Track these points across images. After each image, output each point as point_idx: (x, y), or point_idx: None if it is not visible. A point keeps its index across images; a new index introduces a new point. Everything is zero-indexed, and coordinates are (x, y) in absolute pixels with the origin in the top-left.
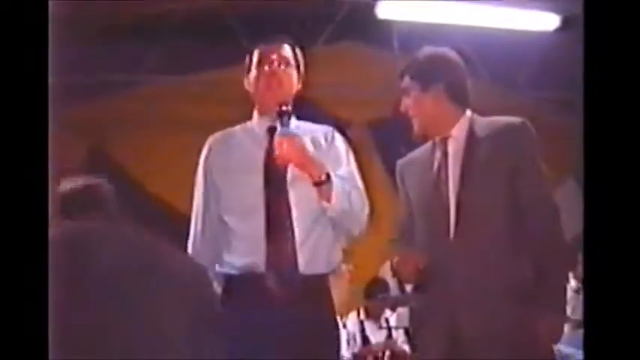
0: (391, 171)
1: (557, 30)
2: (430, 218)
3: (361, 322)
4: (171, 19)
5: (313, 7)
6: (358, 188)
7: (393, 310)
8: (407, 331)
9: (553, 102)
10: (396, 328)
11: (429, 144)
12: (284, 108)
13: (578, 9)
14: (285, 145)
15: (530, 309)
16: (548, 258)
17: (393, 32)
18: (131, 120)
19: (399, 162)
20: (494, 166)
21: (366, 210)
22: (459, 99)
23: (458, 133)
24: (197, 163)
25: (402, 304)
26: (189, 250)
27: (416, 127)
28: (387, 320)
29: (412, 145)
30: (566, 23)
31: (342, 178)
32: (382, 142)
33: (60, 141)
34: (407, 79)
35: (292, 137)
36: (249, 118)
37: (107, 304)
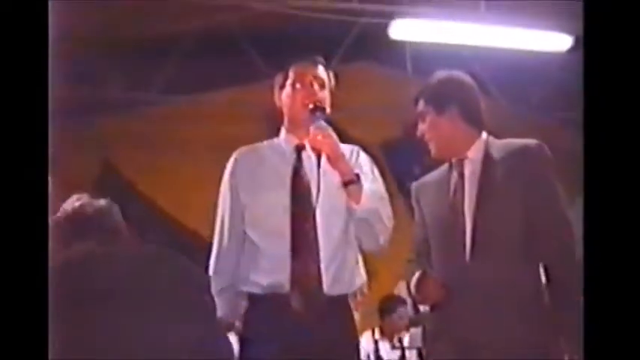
0: (404, 191)
1: (570, 50)
2: (446, 240)
3: (375, 342)
4: (185, 39)
5: (326, 28)
6: (385, 200)
7: (407, 330)
8: (420, 352)
9: (566, 122)
10: (409, 348)
11: (444, 166)
12: (318, 104)
13: None
14: (319, 137)
15: (546, 329)
16: (564, 278)
17: (405, 53)
18: (142, 139)
19: (415, 184)
20: (510, 188)
21: (392, 221)
22: (474, 121)
23: (474, 154)
24: (215, 183)
25: (418, 324)
26: (211, 267)
27: (433, 150)
28: (400, 340)
29: (425, 166)
30: (578, 43)
31: (370, 188)
32: (395, 162)
33: (70, 159)
34: (421, 104)
35: (327, 130)
36: (264, 136)
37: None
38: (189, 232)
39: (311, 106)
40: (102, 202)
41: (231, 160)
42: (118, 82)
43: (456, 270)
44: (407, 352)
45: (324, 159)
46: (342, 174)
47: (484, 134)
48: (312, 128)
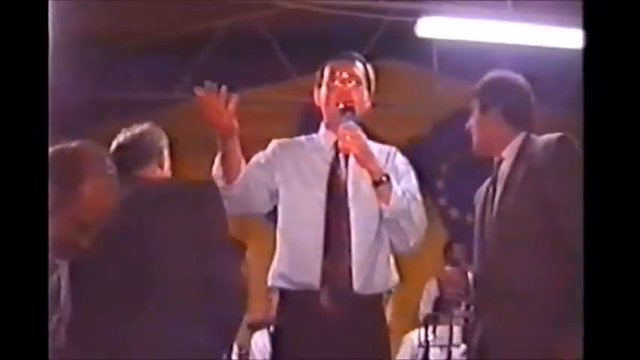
0: (430, 189)
1: None
2: (478, 238)
3: (427, 341)
4: (210, 38)
5: (352, 26)
6: (418, 201)
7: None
8: (449, 349)
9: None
10: (434, 345)
11: None
12: (348, 104)
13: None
14: (348, 137)
15: (567, 326)
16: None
17: (432, 51)
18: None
19: (477, 191)
20: (531, 184)
21: (425, 223)
22: (517, 121)
23: (508, 154)
24: None
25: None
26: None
27: (474, 144)
28: (426, 336)
29: (453, 164)
30: None
31: (403, 188)
32: (421, 160)
33: None
34: (473, 100)
35: (355, 130)
36: (290, 136)
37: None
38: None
39: (341, 106)
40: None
41: (272, 144)
42: (142, 82)
43: (481, 267)
44: (431, 350)
45: (352, 159)
46: (371, 174)
47: (522, 133)
48: (340, 128)
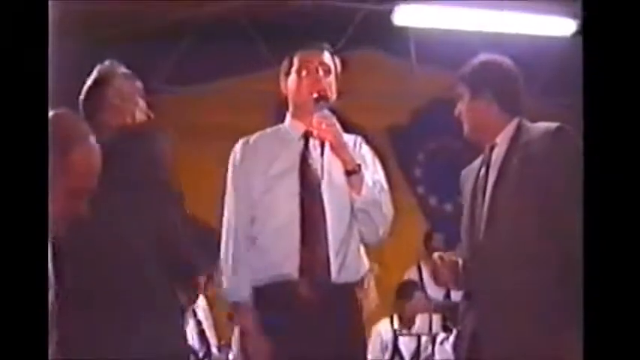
0: (408, 177)
1: (575, 34)
2: (467, 223)
3: (394, 331)
4: (188, 28)
5: (329, 15)
6: (385, 191)
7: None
8: (433, 339)
9: (569, 107)
10: (419, 334)
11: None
12: (322, 93)
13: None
14: (323, 126)
15: (555, 313)
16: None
17: (409, 39)
18: None
19: (462, 172)
20: (526, 172)
21: (392, 214)
22: (509, 106)
23: (502, 139)
24: (222, 172)
25: (441, 307)
26: (223, 252)
27: (465, 131)
28: (409, 327)
29: (431, 153)
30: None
31: (372, 180)
32: (399, 149)
33: None
34: (460, 85)
35: (331, 119)
36: (268, 125)
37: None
38: (196, 221)
39: (315, 95)
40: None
41: (236, 149)
42: None
43: (472, 253)
44: (422, 340)
45: (327, 147)
46: (344, 163)
47: (516, 119)
48: (315, 117)
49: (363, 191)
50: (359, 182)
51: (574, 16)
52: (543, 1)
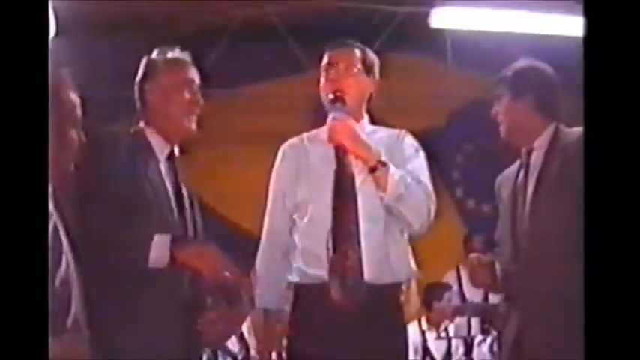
0: (446, 180)
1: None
2: (508, 231)
3: (423, 333)
4: (224, 31)
5: (365, 18)
6: (421, 182)
7: (453, 318)
8: (466, 341)
9: None
10: (456, 337)
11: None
12: (338, 94)
13: None
14: (337, 128)
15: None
16: None
17: (446, 41)
18: None
19: (498, 178)
20: (566, 178)
21: (432, 205)
22: (547, 111)
23: (540, 144)
24: (259, 176)
25: (464, 313)
26: (259, 257)
27: (502, 133)
28: (446, 329)
29: (469, 155)
30: None
31: (406, 171)
32: (436, 151)
33: None
34: (500, 86)
35: (344, 120)
36: (306, 128)
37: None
38: (235, 227)
39: (331, 96)
40: None
41: (280, 152)
42: None
43: (514, 256)
44: (453, 342)
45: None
46: (365, 162)
47: (553, 124)
48: (329, 119)
49: (389, 187)
50: (384, 179)
51: None
52: (580, 2)
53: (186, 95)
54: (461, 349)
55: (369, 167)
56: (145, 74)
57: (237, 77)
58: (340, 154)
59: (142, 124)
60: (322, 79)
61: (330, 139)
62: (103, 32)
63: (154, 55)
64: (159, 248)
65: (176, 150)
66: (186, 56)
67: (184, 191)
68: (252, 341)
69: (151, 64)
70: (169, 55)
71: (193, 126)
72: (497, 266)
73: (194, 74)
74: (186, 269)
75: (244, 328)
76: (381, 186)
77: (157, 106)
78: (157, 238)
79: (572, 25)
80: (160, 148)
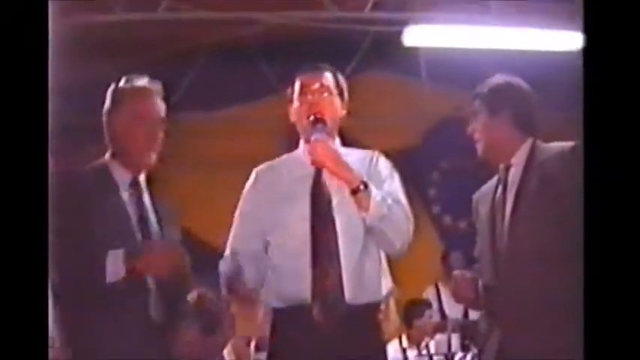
0: (423, 197)
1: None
2: (487, 246)
3: (404, 351)
4: (197, 55)
5: (339, 39)
6: (400, 202)
7: (433, 335)
8: (446, 358)
9: (580, 123)
10: (436, 354)
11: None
12: (318, 116)
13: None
14: (319, 150)
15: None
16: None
17: (419, 59)
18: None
19: (475, 195)
20: (545, 193)
21: (410, 226)
22: (524, 127)
23: (517, 160)
24: (234, 199)
25: (444, 329)
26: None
27: (479, 150)
28: (427, 347)
29: (444, 172)
30: None
31: (385, 192)
32: (412, 169)
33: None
34: (477, 103)
35: (325, 142)
36: (278, 151)
37: None
38: (210, 249)
39: (311, 118)
40: None
41: (252, 176)
42: None
43: (494, 273)
44: (434, 359)
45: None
46: (347, 183)
47: (530, 139)
48: (311, 141)
49: (371, 208)
50: (366, 200)
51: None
52: (550, 17)
53: (148, 127)
54: None
55: (351, 189)
56: (111, 103)
57: (212, 101)
58: (316, 175)
59: (107, 155)
60: (296, 103)
61: (313, 160)
62: (75, 58)
63: (122, 83)
64: (112, 262)
65: (142, 178)
66: (154, 85)
67: (152, 216)
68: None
69: (117, 92)
70: (137, 83)
71: (153, 158)
72: (480, 283)
73: (159, 105)
74: (151, 275)
75: (225, 352)
76: (363, 207)
77: (119, 136)
78: (110, 253)
79: (546, 41)
80: (122, 179)
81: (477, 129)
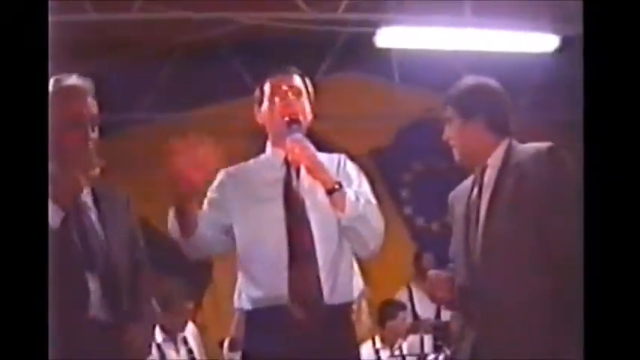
0: (394, 199)
1: (557, 51)
2: (462, 246)
3: (377, 351)
4: (171, 56)
5: (312, 39)
6: (372, 203)
7: (406, 336)
8: (419, 358)
9: (555, 124)
10: (410, 355)
11: (473, 175)
12: (293, 117)
13: (577, 30)
14: (296, 150)
15: (552, 337)
16: (569, 282)
17: (392, 61)
18: (129, 159)
19: (451, 195)
20: (521, 193)
21: (382, 225)
22: (499, 128)
23: (493, 161)
24: (201, 197)
25: (417, 331)
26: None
27: (457, 156)
28: (400, 348)
29: (417, 173)
30: (565, 44)
31: (356, 193)
32: (384, 170)
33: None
34: (449, 109)
35: (303, 142)
36: (252, 151)
37: None
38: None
39: (287, 119)
40: None
41: (217, 179)
42: (102, 102)
43: (468, 273)
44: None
45: (304, 171)
46: (323, 183)
47: (506, 140)
48: (288, 141)
49: (347, 208)
50: (341, 200)
51: (557, 33)
52: (525, 18)
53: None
54: None
55: (327, 189)
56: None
57: (185, 101)
58: (286, 177)
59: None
60: (266, 104)
61: (291, 159)
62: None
63: (50, 85)
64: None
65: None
66: (85, 83)
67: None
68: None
69: (50, 96)
70: (66, 82)
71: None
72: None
73: (89, 106)
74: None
75: (196, 353)
76: (338, 207)
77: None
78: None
79: (519, 42)
80: (54, 215)
81: (452, 136)
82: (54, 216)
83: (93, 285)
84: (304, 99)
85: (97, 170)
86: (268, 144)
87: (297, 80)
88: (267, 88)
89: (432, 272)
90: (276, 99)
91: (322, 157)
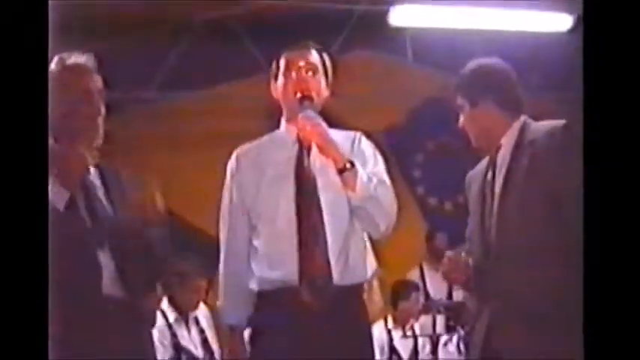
0: (407, 178)
1: (571, 30)
2: (477, 226)
3: (389, 332)
4: (183, 34)
5: (325, 17)
6: (385, 183)
7: (418, 317)
8: (432, 339)
9: (570, 102)
10: (421, 336)
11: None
12: (306, 93)
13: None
14: (308, 127)
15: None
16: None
17: (406, 39)
18: (141, 139)
19: (468, 175)
20: (534, 172)
21: (395, 206)
22: (510, 106)
23: (507, 141)
24: (219, 179)
25: (429, 311)
26: (221, 268)
27: (472, 142)
28: (412, 328)
29: (429, 153)
30: (579, 22)
31: (370, 172)
32: (397, 149)
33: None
34: (459, 98)
35: (315, 119)
36: (265, 130)
37: None
38: (194, 230)
39: (299, 95)
40: None
41: (232, 158)
42: (115, 80)
43: (484, 254)
44: (420, 341)
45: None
46: (334, 162)
47: (521, 118)
48: (299, 118)
49: (358, 188)
50: (352, 179)
51: (571, 12)
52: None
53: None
54: (428, 348)
55: (338, 168)
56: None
57: (198, 80)
58: (299, 155)
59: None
60: (281, 80)
61: (303, 137)
62: (54, 35)
63: (52, 65)
64: None
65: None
66: (88, 60)
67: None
68: (215, 347)
69: (51, 76)
70: (68, 61)
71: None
72: (470, 264)
73: (95, 82)
74: None
75: (208, 333)
76: (349, 186)
77: (59, 120)
78: None
79: (532, 21)
80: (59, 197)
81: (466, 123)
82: (60, 196)
83: (105, 262)
84: (320, 75)
85: (100, 146)
86: (282, 120)
87: (313, 56)
88: (282, 62)
89: (449, 253)
90: (292, 74)
91: (337, 134)
